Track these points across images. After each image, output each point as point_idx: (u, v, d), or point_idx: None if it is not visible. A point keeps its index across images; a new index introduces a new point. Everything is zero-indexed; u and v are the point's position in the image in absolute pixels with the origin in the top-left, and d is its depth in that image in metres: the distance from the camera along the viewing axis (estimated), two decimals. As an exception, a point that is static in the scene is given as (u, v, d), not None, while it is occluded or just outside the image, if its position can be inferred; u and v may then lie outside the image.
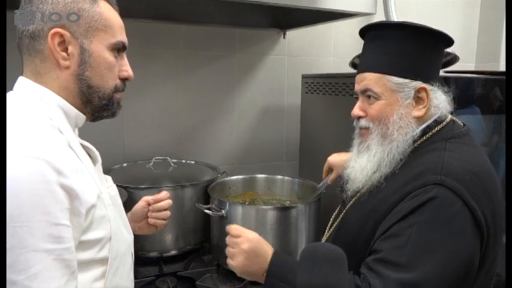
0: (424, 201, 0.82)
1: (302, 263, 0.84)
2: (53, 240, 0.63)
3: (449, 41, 0.95)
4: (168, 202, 1.10)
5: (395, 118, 0.92)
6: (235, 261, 0.94)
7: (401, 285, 0.79)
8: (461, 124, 0.99)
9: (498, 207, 0.87)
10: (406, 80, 0.91)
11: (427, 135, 0.93)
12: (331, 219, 1.12)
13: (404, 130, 0.92)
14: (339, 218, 1.07)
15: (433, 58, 0.95)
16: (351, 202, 1.02)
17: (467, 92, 1.41)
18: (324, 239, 1.12)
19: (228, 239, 0.97)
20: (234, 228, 0.98)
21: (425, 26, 0.92)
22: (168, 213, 1.10)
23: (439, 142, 0.91)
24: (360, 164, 0.97)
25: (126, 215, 1.07)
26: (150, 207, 1.09)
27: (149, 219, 1.09)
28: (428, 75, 0.93)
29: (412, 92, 0.92)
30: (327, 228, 1.12)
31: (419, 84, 0.92)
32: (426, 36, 0.92)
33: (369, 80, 0.94)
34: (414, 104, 0.93)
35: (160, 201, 1.09)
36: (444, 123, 0.95)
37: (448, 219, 0.81)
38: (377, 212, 0.89)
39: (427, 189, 0.82)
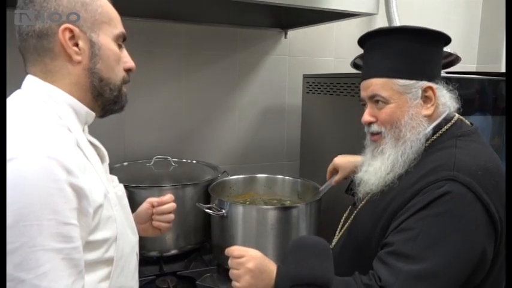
0: (437, 196, 0.83)
1: (289, 256, 0.85)
2: (61, 240, 0.63)
3: (447, 40, 0.97)
4: (172, 205, 1.08)
5: (407, 119, 0.94)
6: (241, 282, 0.91)
7: (412, 276, 0.80)
8: (469, 123, 1.00)
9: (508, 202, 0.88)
10: (412, 81, 0.93)
11: (438, 134, 0.95)
12: (342, 221, 1.12)
13: (416, 130, 0.94)
14: (350, 219, 1.07)
15: (435, 57, 0.98)
16: (363, 202, 1.02)
17: (470, 93, 1.41)
18: (335, 240, 1.12)
19: (230, 261, 0.94)
20: (235, 249, 0.95)
21: (424, 27, 0.94)
22: (171, 216, 1.08)
23: (449, 140, 0.93)
24: (374, 167, 0.98)
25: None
26: (154, 210, 1.07)
27: (153, 222, 1.08)
28: (432, 75, 0.95)
29: (420, 91, 0.94)
30: (338, 229, 1.12)
31: (425, 83, 0.94)
32: (426, 37, 0.95)
33: (375, 85, 0.96)
34: (422, 103, 0.95)
35: (164, 204, 1.07)
36: (453, 121, 0.97)
37: (461, 212, 0.82)
38: (390, 210, 0.90)
39: (439, 185, 0.84)
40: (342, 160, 1.32)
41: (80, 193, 0.66)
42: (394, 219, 0.88)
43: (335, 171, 1.35)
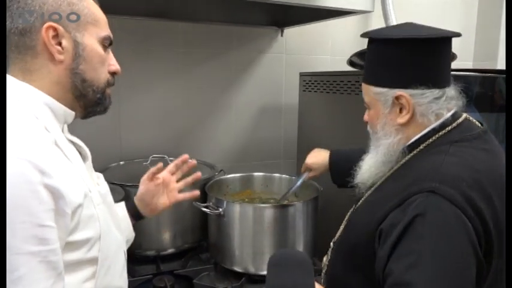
0: (417, 213, 0.76)
1: (271, 268, 0.84)
2: (37, 242, 0.62)
3: (429, 42, 0.87)
4: (193, 163, 1.18)
5: (381, 126, 0.93)
6: None
7: None
8: (479, 125, 0.94)
9: (502, 215, 0.81)
10: (384, 89, 0.90)
11: (432, 138, 0.89)
12: (346, 217, 1.10)
13: (389, 137, 0.92)
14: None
15: (415, 63, 0.89)
16: (361, 201, 1.01)
17: (466, 90, 1.41)
18: (337, 234, 1.11)
19: None
20: None
21: (395, 36, 0.89)
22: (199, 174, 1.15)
23: (443, 145, 0.87)
24: (365, 163, 1.00)
25: (135, 202, 1.09)
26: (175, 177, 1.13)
27: (171, 196, 1.12)
28: (408, 81, 0.88)
29: (390, 100, 0.90)
30: (342, 225, 1.12)
31: (396, 92, 0.89)
32: (398, 43, 0.88)
33: (363, 89, 0.98)
34: (398, 111, 0.90)
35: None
36: (455, 124, 0.90)
37: (441, 233, 0.75)
38: (376, 215, 0.85)
39: (421, 196, 0.78)
40: (314, 161, 1.40)
41: (55, 194, 0.65)
42: (382, 230, 0.82)
43: (308, 169, 1.42)
